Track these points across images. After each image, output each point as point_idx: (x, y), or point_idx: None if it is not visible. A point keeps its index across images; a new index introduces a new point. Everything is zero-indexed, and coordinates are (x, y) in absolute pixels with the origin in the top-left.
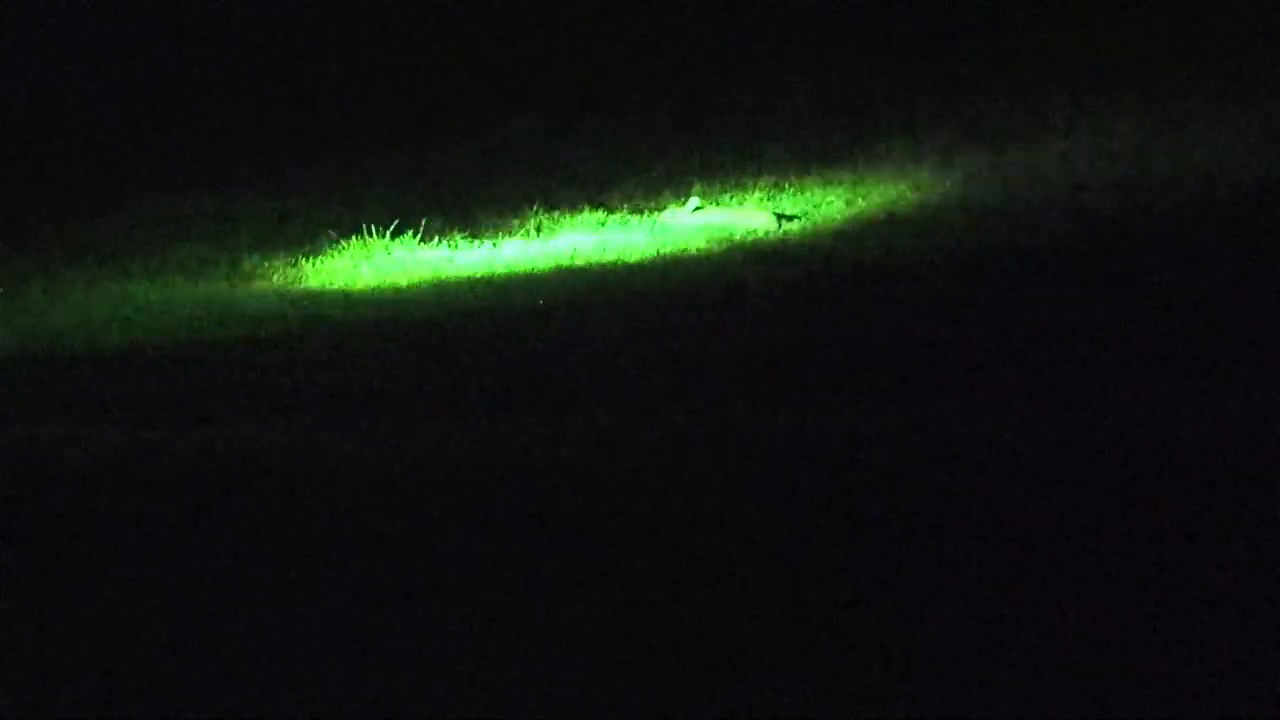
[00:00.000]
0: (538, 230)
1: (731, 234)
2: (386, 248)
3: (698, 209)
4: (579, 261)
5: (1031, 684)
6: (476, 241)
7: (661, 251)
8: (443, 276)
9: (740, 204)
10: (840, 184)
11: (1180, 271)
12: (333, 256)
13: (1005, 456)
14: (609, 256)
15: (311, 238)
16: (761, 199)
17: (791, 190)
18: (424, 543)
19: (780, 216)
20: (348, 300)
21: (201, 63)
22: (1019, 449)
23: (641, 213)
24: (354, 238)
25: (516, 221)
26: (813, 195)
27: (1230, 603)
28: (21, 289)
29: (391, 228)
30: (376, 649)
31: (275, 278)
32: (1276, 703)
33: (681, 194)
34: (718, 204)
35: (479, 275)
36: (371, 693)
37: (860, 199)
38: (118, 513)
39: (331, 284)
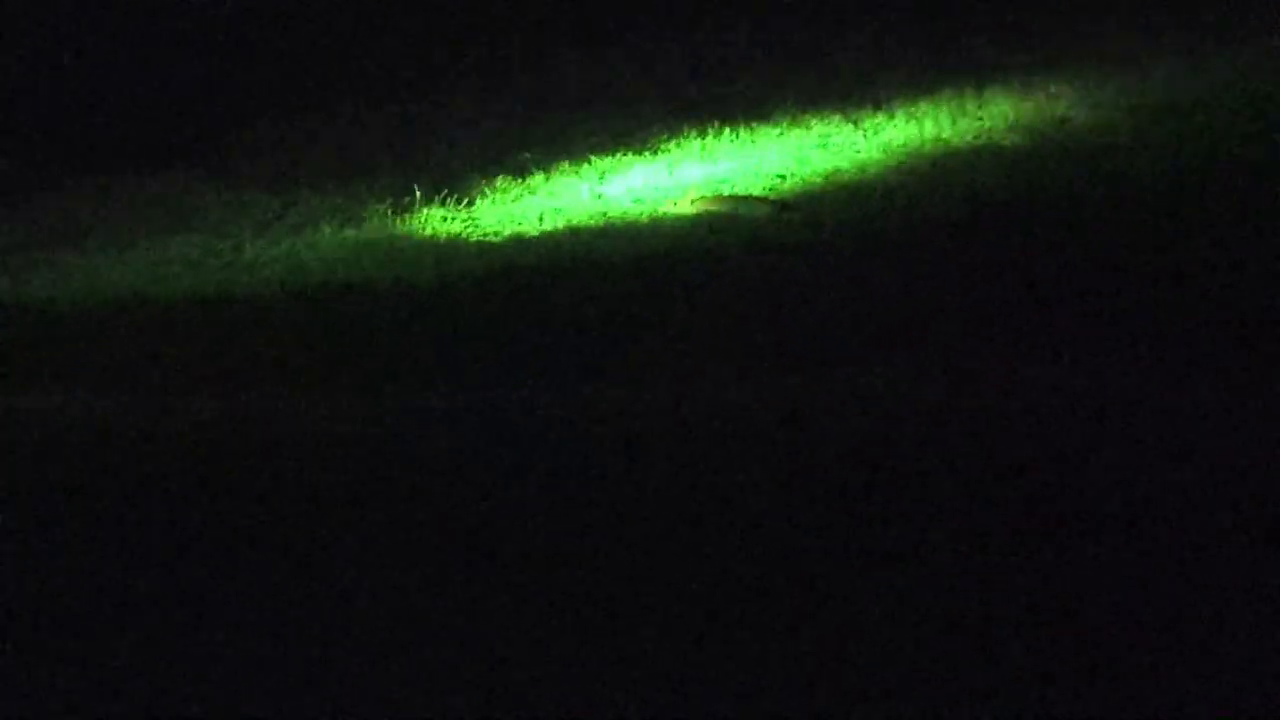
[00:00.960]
0: (540, 220)
1: (731, 222)
2: (390, 239)
3: (698, 199)
4: (580, 249)
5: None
6: (480, 230)
7: (660, 239)
8: (445, 265)
9: (741, 193)
10: (842, 171)
11: (1174, 250)
12: (335, 245)
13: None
14: (611, 244)
15: (313, 227)
16: (763, 189)
17: (793, 180)
18: (418, 517)
19: (782, 206)
20: (349, 288)
21: (206, 54)
22: (1003, 424)
23: (642, 201)
24: (359, 225)
25: (518, 210)
26: (814, 185)
27: (1226, 598)
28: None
29: (392, 217)
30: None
31: (276, 267)
32: (1276, 703)
33: (680, 183)
34: (719, 193)
35: (482, 254)
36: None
37: (863, 187)
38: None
39: (334, 272)
